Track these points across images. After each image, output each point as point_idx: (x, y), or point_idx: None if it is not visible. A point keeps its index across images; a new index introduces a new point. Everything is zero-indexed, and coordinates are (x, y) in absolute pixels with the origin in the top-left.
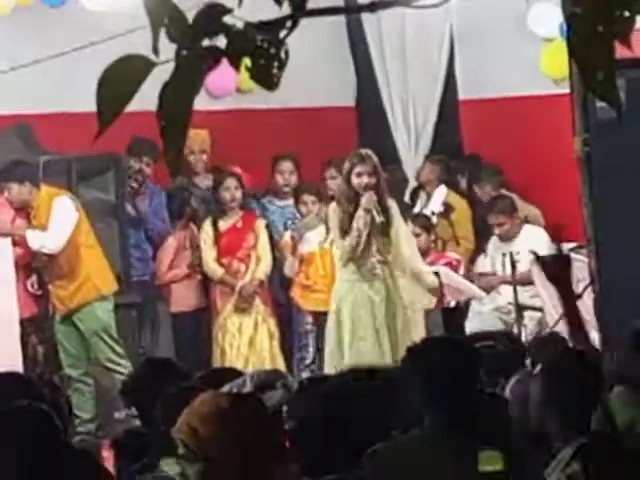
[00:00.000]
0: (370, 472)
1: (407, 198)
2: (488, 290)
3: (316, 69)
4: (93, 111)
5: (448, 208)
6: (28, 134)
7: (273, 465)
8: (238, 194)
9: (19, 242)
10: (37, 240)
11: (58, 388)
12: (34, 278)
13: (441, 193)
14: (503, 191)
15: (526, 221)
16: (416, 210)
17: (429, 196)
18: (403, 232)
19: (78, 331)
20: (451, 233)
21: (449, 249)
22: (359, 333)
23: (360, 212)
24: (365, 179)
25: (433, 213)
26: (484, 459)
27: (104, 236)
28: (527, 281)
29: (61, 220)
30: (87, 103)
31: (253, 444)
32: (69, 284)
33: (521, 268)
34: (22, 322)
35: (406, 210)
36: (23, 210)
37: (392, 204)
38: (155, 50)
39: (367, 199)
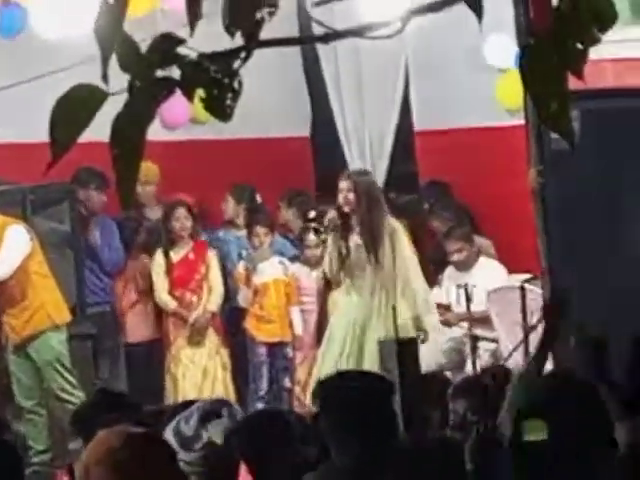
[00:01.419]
0: None
1: None
2: (445, 325)
3: (270, 99)
4: (45, 142)
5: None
6: None
7: None
8: (188, 223)
9: None
10: None
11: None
12: None
13: None
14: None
15: (479, 252)
16: None
17: None
18: (401, 254)
19: (31, 361)
20: None
21: None
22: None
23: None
24: (346, 195)
25: None
26: None
27: (59, 266)
28: (483, 318)
29: (12, 247)
30: (41, 133)
31: None
32: (21, 313)
33: (475, 302)
34: None
35: None
36: None
37: (387, 225)
38: (105, 79)
39: (329, 217)
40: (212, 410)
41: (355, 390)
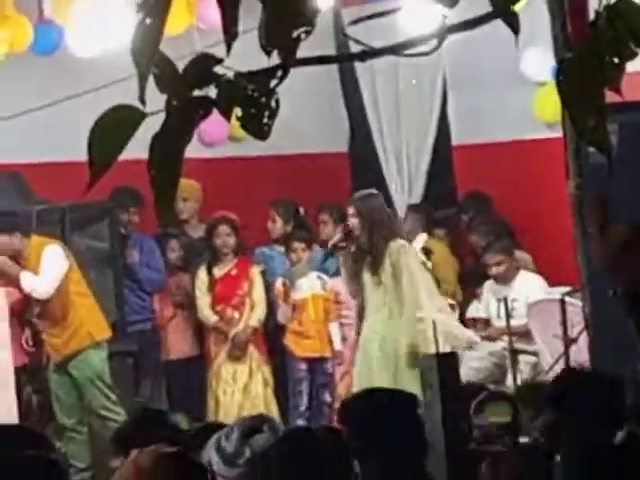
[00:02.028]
0: None
1: None
2: (488, 340)
3: (309, 116)
4: (84, 160)
5: (427, 252)
6: (21, 183)
7: None
8: (231, 240)
9: (10, 292)
10: (29, 282)
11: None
12: (28, 333)
13: (420, 240)
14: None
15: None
16: None
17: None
18: (407, 276)
19: (72, 379)
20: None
21: None
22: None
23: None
24: (351, 220)
25: None
26: None
27: (99, 284)
28: (524, 332)
29: (51, 267)
30: (78, 152)
31: None
32: (62, 332)
33: (516, 316)
34: (16, 371)
35: None
36: (13, 260)
37: (392, 245)
38: (142, 100)
39: (334, 240)
40: (253, 426)
41: (373, 408)
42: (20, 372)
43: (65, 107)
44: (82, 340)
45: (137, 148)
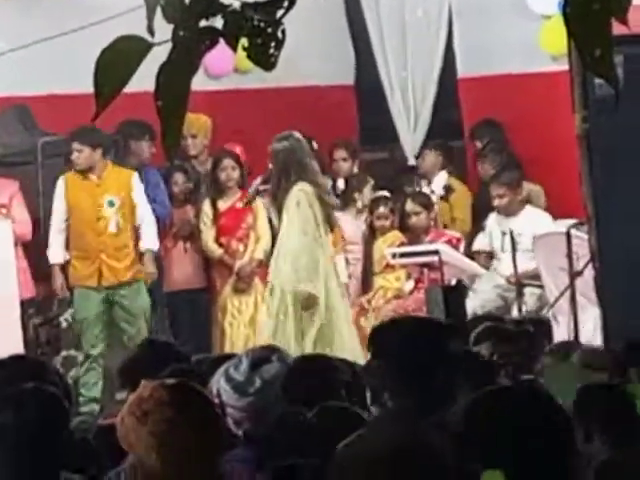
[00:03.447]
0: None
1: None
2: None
3: (315, 48)
4: (89, 92)
5: (448, 189)
6: (27, 115)
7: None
8: (235, 174)
9: (22, 222)
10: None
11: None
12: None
13: (442, 178)
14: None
15: (528, 199)
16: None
17: (429, 182)
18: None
19: (119, 309)
20: (449, 215)
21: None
22: None
23: None
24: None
25: (432, 192)
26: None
27: None
28: (533, 275)
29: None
30: (86, 84)
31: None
32: (125, 258)
33: (520, 250)
34: (22, 303)
35: (403, 189)
36: None
37: (294, 188)
38: (150, 31)
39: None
40: (262, 356)
41: (411, 334)
42: (26, 305)
43: (71, 39)
44: (138, 271)
45: (146, 80)
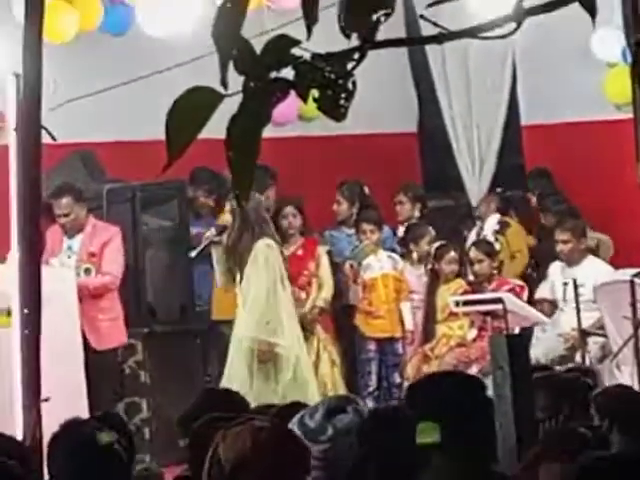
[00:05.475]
0: None
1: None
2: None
3: (377, 95)
4: (155, 139)
5: (503, 225)
6: (92, 162)
7: None
8: (297, 222)
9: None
10: None
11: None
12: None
13: (495, 217)
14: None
15: (595, 248)
16: (473, 238)
17: (482, 224)
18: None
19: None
20: (507, 251)
21: (505, 266)
22: None
23: None
24: (226, 216)
25: (481, 229)
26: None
27: (168, 264)
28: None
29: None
30: (151, 131)
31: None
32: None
33: (582, 301)
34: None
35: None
36: None
37: (259, 244)
38: (224, 84)
39: (207, 234)
40: (338, 405)
41: (441, 391)
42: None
43: (135, 87)
44: None
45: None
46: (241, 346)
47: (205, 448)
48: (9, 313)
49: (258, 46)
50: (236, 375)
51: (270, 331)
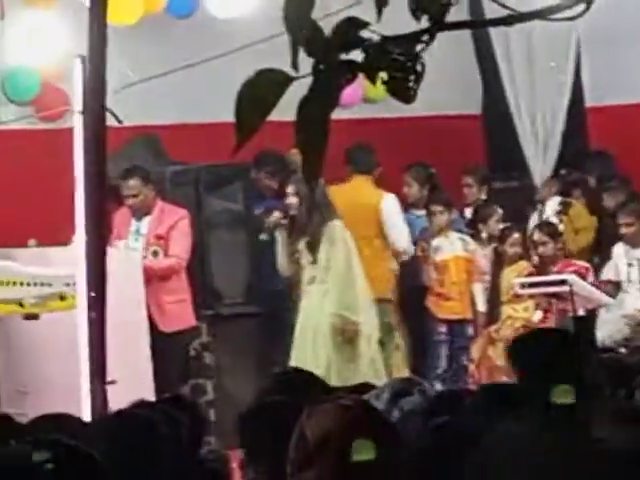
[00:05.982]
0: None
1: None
2: None
3: (441, 77)
4: (219, 122)
5: (566, 204)
6: (156, 144)
7: None
8: None
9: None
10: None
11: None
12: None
13: (555, 199)
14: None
15: None
16: (535, 221)
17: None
18: (336, 255)
19: None
20: (571, 227)
21: (569, 243)
22: None
23: None
24: (290, 199)
25: (542, 210)
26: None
27: (233, 246)
28: None
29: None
30: (215, 113)
31: None
32: None
33: None
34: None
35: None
36: None
37: (330, 225)
38: (294, 66)
39: (272, 218)
40: (404, 388)
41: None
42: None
43: (198, 69)
44: None
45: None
46: (320, 327)
47: (282, 427)
48: (62, 297)
49: (325, 28)
50: (313, 356)
51: (353, 310)
